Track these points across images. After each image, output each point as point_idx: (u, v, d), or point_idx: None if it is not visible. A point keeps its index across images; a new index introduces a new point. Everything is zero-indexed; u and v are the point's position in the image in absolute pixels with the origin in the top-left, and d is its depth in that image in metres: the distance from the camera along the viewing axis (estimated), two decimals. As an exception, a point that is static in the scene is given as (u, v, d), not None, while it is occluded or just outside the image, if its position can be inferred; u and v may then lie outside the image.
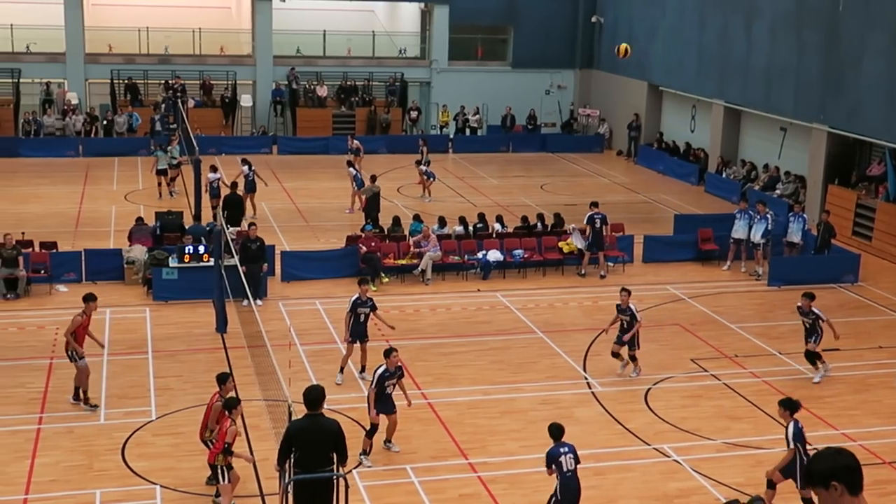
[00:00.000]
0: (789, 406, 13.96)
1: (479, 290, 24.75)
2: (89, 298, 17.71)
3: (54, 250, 24.72)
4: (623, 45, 32.12)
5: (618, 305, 19.25)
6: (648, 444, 16.62)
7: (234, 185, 29.56)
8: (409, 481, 15.21)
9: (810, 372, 19.51)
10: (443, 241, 25.98)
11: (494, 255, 25.92)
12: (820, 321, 19.04)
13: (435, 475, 15.44)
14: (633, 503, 14.82)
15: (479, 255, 25.92)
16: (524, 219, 28.00)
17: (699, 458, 16.24)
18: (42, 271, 23.81)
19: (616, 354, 19.35)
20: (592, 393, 18.74)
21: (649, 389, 18.77)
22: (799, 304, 19.42)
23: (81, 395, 17.38)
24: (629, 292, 19.27)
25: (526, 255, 26.11)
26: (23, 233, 25.29)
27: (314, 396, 10.23)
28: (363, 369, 18.87)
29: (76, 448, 15.98)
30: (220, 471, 13.56)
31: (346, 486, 9.96)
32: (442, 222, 27.38)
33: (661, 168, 41.02)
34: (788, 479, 13.79)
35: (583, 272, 26.01)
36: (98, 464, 15.49)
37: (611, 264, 26.74)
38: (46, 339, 20.62)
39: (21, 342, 20.39)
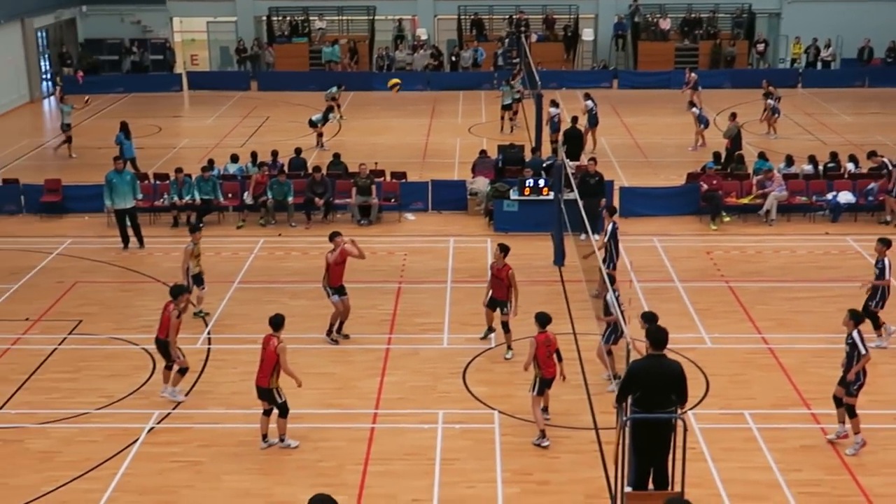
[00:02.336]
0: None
1: (827, 234, 23.49)
2: (335, 235, 18.06)
3: (403, 180, 25.94)
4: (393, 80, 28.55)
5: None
6: None
7: (574, 118, 29.67)
8: (747, 427, 14.81)
9: None
10: (789, 181, 24.82)
11: (846, 197, 24.45)
12: None
13: (774, 423, 14.93)
14: None
15: (829, 196, 24.55)
16: (870, 154, 26.11)
17: None
18: (392, 200, 25.09)
19: None
20: (952, 348, 17.35)
21: None
22: None
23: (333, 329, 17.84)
24: None
25: (881, 198, 24.41)
26: (375, 163, 26.69)
27: (660, 337, 10.10)
28: None
29: (421, 369, 16.80)
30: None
31: (685, 429, 9.81)
32: (789, 161, 26.14)
33: None
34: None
35: None
36: (441, 385, 16.21)
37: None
38: (395, 264, 21.74)
39: (372, 266, 21.59)
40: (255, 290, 20.29)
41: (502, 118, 34.19)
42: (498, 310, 17.33)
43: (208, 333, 18.23)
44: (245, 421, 15.00)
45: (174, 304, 15.49)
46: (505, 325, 17.20)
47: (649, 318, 13.84)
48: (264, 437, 14.33)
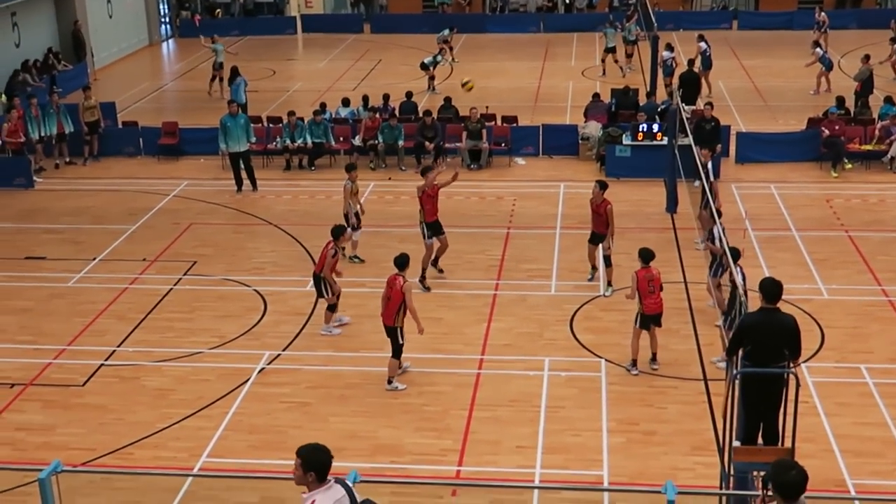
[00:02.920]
0: None
1: (955, 182, 22.54)
2: (427, 170, 18.17)
3: (514, 124, 25.70)
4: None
5: None
6: None
7: (690, 62, 28.94)
8: (863, 381, 14.36)
9: None
10: (916, 127, 23.80)
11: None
12: None
13: (892, 378, 14.45)
14: None
15: (959, 142, 23.47)
16: None
17: None
18: (503, 144, 24.89)
19: None
20: None
21: None
22: None
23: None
24: None
25: None
26: (486, 107, 26.47)
27: (774, 290, 9.78)
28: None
29: (528, 316, 16.70)
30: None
31: (798, 384, 9.52)
32: (917, 105, 25.05)
33: None
34: None
35: None
36: (548, 333, 16.10)
37: None
38: (504, 209, 21.61)
39: (481, 211, 21.52)
40: (364, 234, 20.30)
41: (603, 61, 33.54)
42: (599, 245, 17.25)
43: (318, 276, 18.40)
44: (353, 364, 15.19)
45: (334, 243, 15.90)
46: (606, 259, 17.22)
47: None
48: (390, 380, 14.54)
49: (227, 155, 23.20)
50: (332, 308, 16.14)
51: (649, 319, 14.54)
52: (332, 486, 6.99)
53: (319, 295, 16.18)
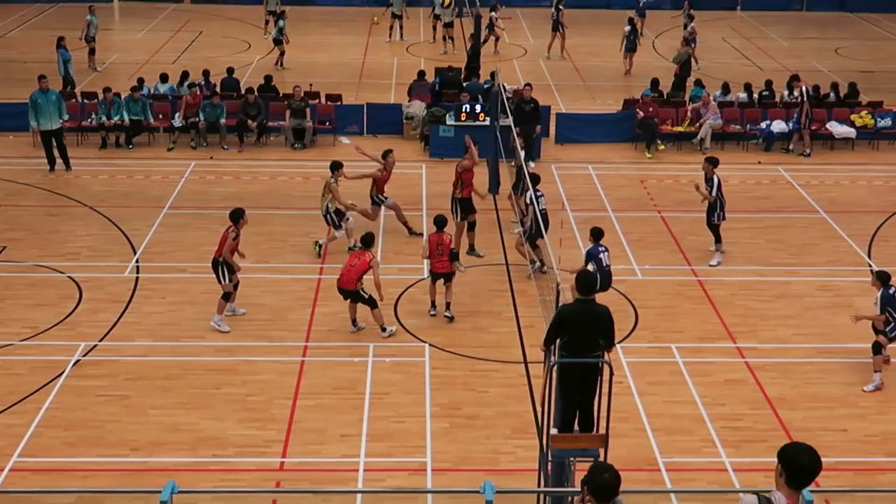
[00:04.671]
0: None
1: (759, 163, 23.67)
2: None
3: (339, 103, 25.55)
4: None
5: None
6: (935, 343, 15.56)
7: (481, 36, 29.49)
8: (674, 360, 15.01)
9: None
10: (724, 109, 24.87)
11: (779, 126, 24.58)
12: None
13: (701, 356, 15.15)
14: (913, 406, 13.99)
15: (763, 125, 24.66)
16: (815, 88, 26.23)
17: None
18: (327, 123, 24.72)
19: None
20: (876, 282, 17.64)
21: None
22: None
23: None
24: None
25: (814, 127, 24.57)
26: (310, 84, 26.22)
27: (589, 282, 10.10)
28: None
29: (353, 300, 16.70)
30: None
31: (612, 373, 9.88)
32: (725, 88, 26.17)
33: (976, 33, 37.35)
34: None
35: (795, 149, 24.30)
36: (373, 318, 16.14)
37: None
38: (329, 190, 21.49)
39: (306, 192, 21.33)
40: (185, 216, 19.96)
41: (445, 38, 33.71)
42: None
43: (136, 261, 17.92)
44: (173, 353, 14.88)
45: (234, 227, 15.52)
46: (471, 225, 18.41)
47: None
48: (354, 321, 15.56)
49: (39, 133, 22.23)
50: (226, 297, 15.59)
51: (437, 276, 16.08)
52: None
53: (218, 281, 15.59)
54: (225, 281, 15.52)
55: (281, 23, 31.17)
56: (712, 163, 18.19)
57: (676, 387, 14.33)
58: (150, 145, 24.12)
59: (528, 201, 17.00)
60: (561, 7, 33.08)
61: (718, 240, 18.27)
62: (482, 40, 32.43)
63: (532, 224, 16.91)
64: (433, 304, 16.25)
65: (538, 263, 17.29)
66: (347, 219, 18.44)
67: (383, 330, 15.45)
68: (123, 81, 26.23)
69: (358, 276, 15.23)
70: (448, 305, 16.04)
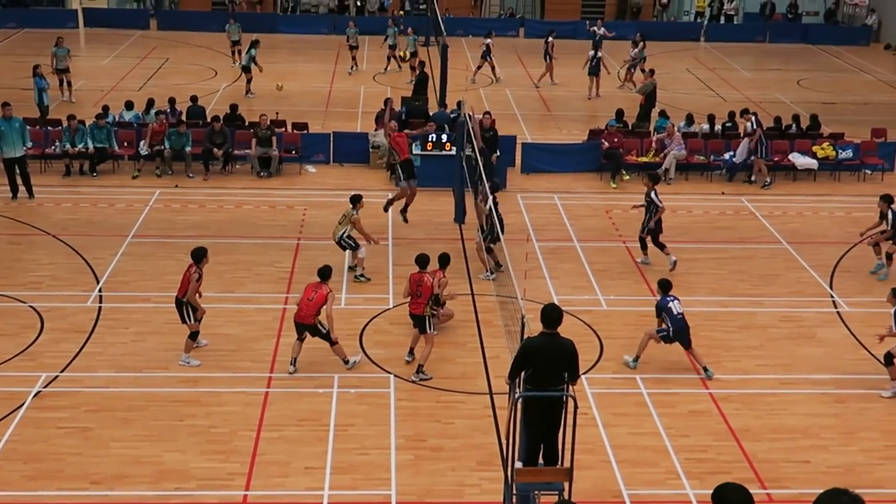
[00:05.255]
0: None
1: (723, 193, 23.88)
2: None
3: (305, 131, 25.54)
4: None
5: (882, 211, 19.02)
6: (896, 374, 15.71)
7: (422, 63, 29.63)
8: (639, 392, 15.05)
9: None
10: (688, 140, 25.10)
11: (740, 157, 24.80)
12: None
13: (665, 388, 15.20)
14: (875, 436, 14.08)
15: (726, 155, 24.90)
16: (777, 119, 26.55)
17: (952, 393, 15.23)
18: (293, 151, 24.70)
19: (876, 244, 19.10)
20: (838, 313, 17.84)
21: (901, 314, 17.59)
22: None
23: None
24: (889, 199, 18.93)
25: (776, 159, 24.85)
26: (276, 113, 26.21)
27: (554, 316, 10.13)
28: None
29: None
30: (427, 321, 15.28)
31: (576, 407, 9.90)
32: (689, 119, 26.42)
33: (934, 66, 37.99)
34: None
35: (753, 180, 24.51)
36: (338, 348, 16.10)
37: (868, 172, 25.19)
38: (295, 218, 21.46)
39: (272, 221, 21.30)
40: (150, 245, 19.83)
41: (389, 59, 34.16)
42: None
43: (99, 291, 17.77)
44: (136, 385, 14.74)
45: (196, 267, 15.24)
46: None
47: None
48: (294, 360, 15.18)
49: (2, 160, 22.04)
50: (193, 336, 15.44)
51: (413, 319, 15.48)
52: None
53: (182, 321, 15.40)
54: (190, 321, 15.34)
55: (253, 51, 31.18)
56: (654, 179, 19.41)
57: (641, 418, 14.36)
58: (115, 173, 23.99)
59: (487, 210, 17.79)
60: (551, 39, 33.37)
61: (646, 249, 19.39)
62: (477, 66, 32.86)
63: (489, 228, 17.84)
64: (410, 351, 15.67)
65: (489, 273, 17.95)
66: (359, 247, 18.43)
67: (346, 362, 15.29)
68: (88, 108, 26.12)
69: (316, 309, 15.02)
70: (420, 368, 15.23)
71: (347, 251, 18.67)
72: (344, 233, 18.34)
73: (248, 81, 31.12)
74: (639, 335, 16.74)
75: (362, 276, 18.53)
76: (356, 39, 34.64)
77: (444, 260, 16.28)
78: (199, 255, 15.43)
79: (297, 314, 15.17)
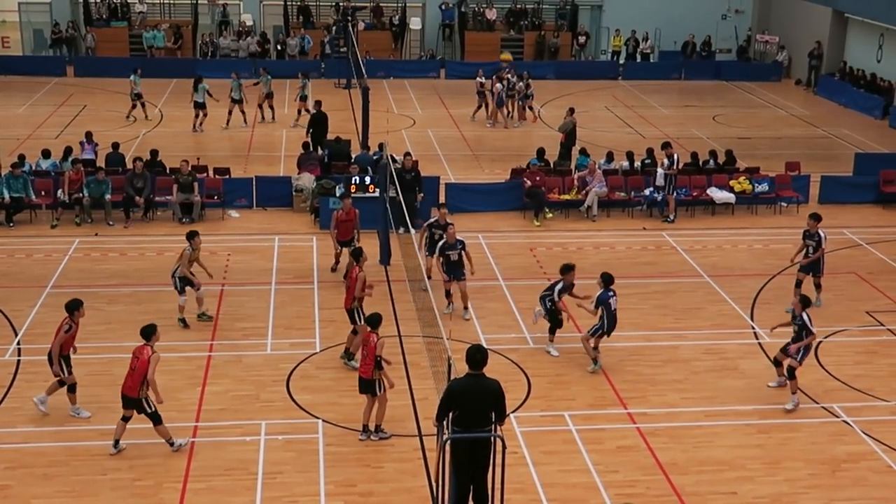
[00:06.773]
0: None
1: (644, 229, 24.21)
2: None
3: (227, 176, 25.37)
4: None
5: (805, 231, 19.25)
6: (817, 403, 16.00)
7: (318, 103, 29.67)
8: (567, 429, 15.10)
9: None
10: (608, 177, 25.44)
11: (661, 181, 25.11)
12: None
13: (593, 424, 15.28)
14: (799, 465, 14.30)
15: (646, 191, 25.28)
16: (694, 155, 27.04)
17: (871, 420, 15.54)
18: (216, 197, 24.49)
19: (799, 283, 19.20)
20: (759, 344, 18.14)
21: (820, 343, 17.97)
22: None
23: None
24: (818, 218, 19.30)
25: (695, 193, 25.31)
26: (198, 158, 26.00)
27: (478, 357, 10.14)
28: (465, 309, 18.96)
29: (244, 377, 16.44)
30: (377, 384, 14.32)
31: (504, 447, 9.91)
32: (609, 157, 26.80)
33: (842, 100, 39.05)
34: None
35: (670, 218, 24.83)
36: (264, 394, 15.91)
37: (784, 205, 25.75)
38: (218, 264, 21.22)
39: (195, 268, 20.98)
40: (69, 295, 19.29)
41: (299, 112, 33.64)
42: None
43: (18, 344, 17.38)
44: (56, 439, 14.40)
45: (69, 318, 14.87)
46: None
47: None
48: (116, 442, 14.04)
49: (-86, 212, 21.53)
50: (72, 389, 15.01)
51: (360, 383, 14.51)
52: None
53: (56, 374, 14.95)
54: (64, 374, 14.91)
55: (204, 85, 31.32)
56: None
57: (570, 455, 14.40)
58: (32, 223, 23.55)
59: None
60: (480, 79, 34.70)
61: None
62: (477, 106, 34.15)
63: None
64: (364, 429, 14.63)
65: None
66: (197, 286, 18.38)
67: (171, 444, 14.12)
68: (3, 157, 25.59)
69: (141, 378, 13.80)
70: (378, 428, 14.57)
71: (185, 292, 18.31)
72: (176, 270, 18.20)
73: (196, 117, 31.44)
74: (566, 371, 16.89)
75: (205, 314, 18.44)
76: (270, 86, 34.21)
77: (358, 253, 17.00)
78: (72, 307, 15.05)
79: (122, 386, 14.06)
